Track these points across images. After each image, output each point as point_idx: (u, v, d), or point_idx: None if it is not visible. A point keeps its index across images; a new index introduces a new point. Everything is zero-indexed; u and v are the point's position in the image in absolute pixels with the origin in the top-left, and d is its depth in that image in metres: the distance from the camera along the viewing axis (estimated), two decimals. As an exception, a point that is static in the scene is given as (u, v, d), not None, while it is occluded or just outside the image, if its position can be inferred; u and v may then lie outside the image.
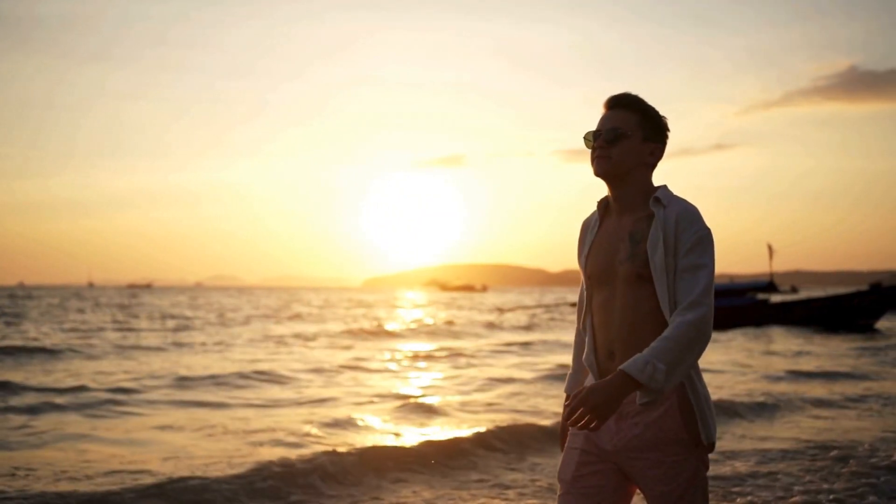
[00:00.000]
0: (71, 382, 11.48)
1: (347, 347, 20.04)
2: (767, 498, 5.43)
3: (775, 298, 32.63)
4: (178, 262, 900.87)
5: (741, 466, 6.36)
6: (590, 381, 2.39)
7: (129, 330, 25.42)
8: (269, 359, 16.04)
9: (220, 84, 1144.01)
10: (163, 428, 8.11)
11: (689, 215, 2.25)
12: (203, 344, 19.89)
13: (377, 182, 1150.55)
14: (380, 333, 25.50)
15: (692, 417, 2.26)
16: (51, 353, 16.21)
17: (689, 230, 2.23)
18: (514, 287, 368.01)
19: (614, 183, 2.36)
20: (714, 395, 9.75)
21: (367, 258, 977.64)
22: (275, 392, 11.16)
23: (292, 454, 6.41)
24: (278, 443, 7.21)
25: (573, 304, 43.10)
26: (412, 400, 10.08)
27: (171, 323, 30.29)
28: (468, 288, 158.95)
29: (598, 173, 2.36)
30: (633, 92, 2.38)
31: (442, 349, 19.38)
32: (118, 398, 10.04)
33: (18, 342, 18.69)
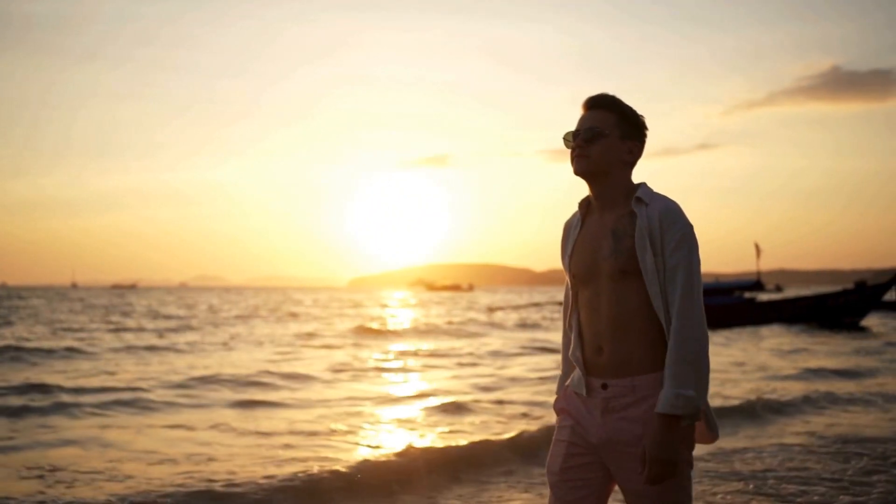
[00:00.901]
0: (97, 383, 11.44)
1: (360, 346, 20.07)
2: (796, 494, 5.50)
3: (762, 297, 33.21)
4: (162, 262, 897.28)
5: (768, 463, 6.44)
6: (577, 375, 2.44)
7: (135, 330, 25.24)
8: (286, 359, 16.03)
9: (212, 84, 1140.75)
10: (216, 426, 8.16)
11: (671, 213, 2.30)
12: (217, 344, 19.80)
13: (362, 182, 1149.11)
14: (387, 333, 25.57)
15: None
16: (64, 353, 16.17)
17: (673, 228, 2.29)
18: (500, 286, 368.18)
19: (594, 181, 2.42)
20: (729, 395, 9.95)
21: (352, 258, 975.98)
22: (309, 392, 11.14)
23: (344, 457, 6.38)
24: (322, 445, 7.20)
25: (560, 303, 43.75)
26: (447, 400, 9.96)
27: (170, 323, 30.15)
28: (455, 288, 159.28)
29: (577, 172, 2.42)
30: (612, 92, 2.45)
31: (457, 348, 19.45)
32: (150, 399, 10.02)
33: (32, 344, 18.55)
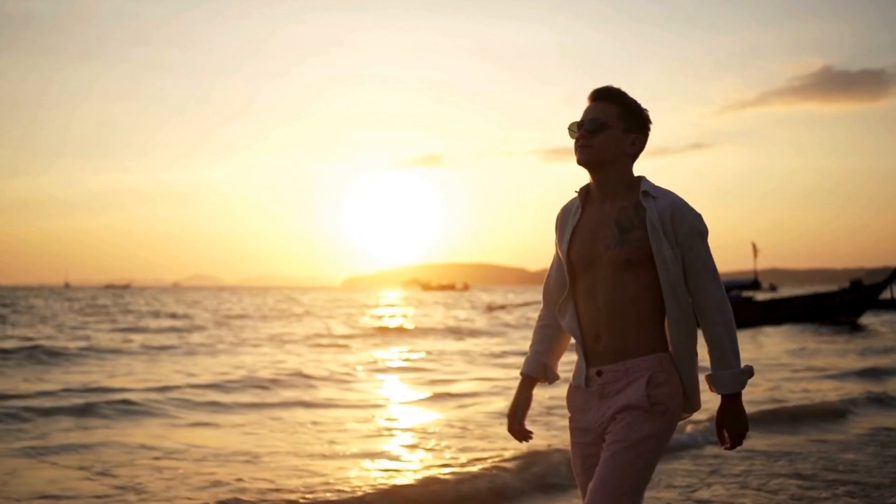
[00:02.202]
0: (149, 384, 11.41)
1: (381, 346, 20.20)
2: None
3: (759, 297, 33.67)
4: (155, 262, 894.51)
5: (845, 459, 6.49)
6: (580, 365, 2.51)
7: (150, 331, 25.25)
8: (312, 360, 16.03)
9: (208, 84, 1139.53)
10: (289, 427, 8.17)
11: (680, 205, 2.40)
12: (237, 343, 19.82)
13: (356, 181, 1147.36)
14: (402, 332, 25.72)
15: (657, 392, 2.40)
16: (94, 353, 16.20)
17: (685, 219, 2.39)
18: (494, 286, 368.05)
19: (596, 171, 2.47)
20: (797, 397, 9.96)
21: (345, 258, 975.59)
22: (352, 393, 11.15)
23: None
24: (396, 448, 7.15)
25: None
26: (489, 408, 9.55)
27: (179, 323, 30.11)
28: (450, 287, 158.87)
29: (580, 161, 2.47)
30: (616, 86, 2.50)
31: (483, 346, 19.54)
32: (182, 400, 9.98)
33: (56, 343, 18.51)
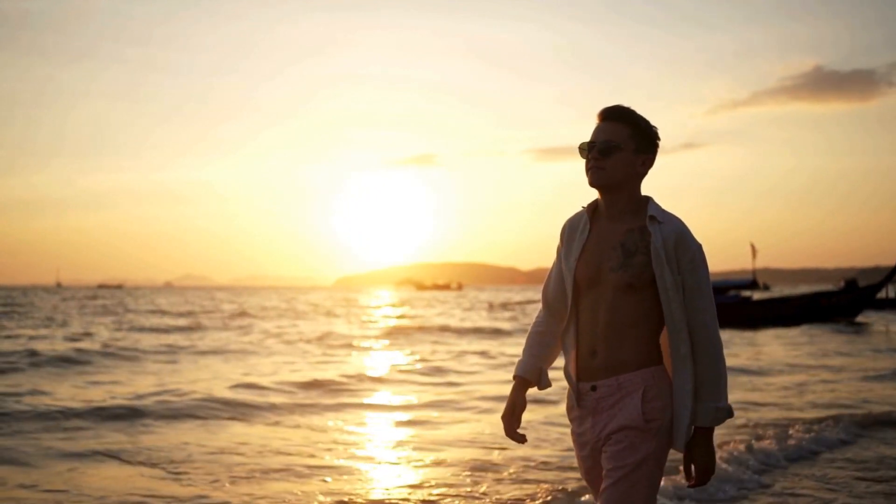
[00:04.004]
0: (208, 386, 11.29)
1: (412, 345, 20.21)
2: None
3: (756, 296, 34.00)
4: (146, 261, 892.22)
5: None
6: (571, 381, 2.55)
7: (170, 331, 25.07)
8: (352, 361, 16.01)
9: (203, 84, 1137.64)
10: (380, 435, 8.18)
11: (684, 235, 2.43)
12: (264, 345, 19.67)
13: (348, 181, 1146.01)
14: (429, 330, 25.79)
15: (651, 407, 2.42)
16: (131, 355, 15.97)
17: (688, 249, 2.42)
18: (487, 285, 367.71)
19: (607, 192, 2.49)
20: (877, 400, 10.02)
21: (338, 257, 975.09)
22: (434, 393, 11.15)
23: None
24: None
25: None
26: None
27: (190, 322, 30.00)
28: (444, 287, 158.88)
29: (592, 184, 2.49)
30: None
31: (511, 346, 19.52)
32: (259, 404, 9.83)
33: (87, 345, 18.09)
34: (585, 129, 2.57)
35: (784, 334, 23.31)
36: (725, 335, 21.84)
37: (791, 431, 7.50)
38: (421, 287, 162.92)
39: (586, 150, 2.48)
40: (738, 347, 18.81)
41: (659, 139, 2.52)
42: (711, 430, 2.43)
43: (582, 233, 2.51)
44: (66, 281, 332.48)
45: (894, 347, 18.55)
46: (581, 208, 2.58)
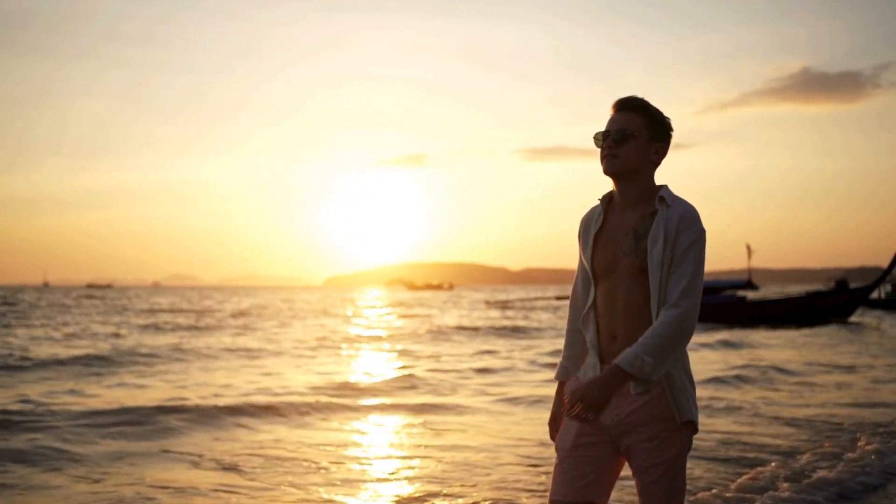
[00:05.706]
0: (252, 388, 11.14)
1: (469, 345, 20.14)
2: None
3: (751, 296, 34.58)
4: (133, 261, 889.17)
5: None
6: (591, 361, 2.55)
7: (186, 330, 24.93)
8: (414, 361, 15.84)
9: (201, 83, 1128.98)
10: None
11: (690, 217, 2.44)
12: (282, 346, 19.32)
13: (338, 181, 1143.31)
14: (446, 332, 25.67)
15: (678, 399, 2.45)
16: (164, 357, 15.69)
17: (689, 231, 2.42)
18: (477, 285, 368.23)
19: (621, 180, 2.53)
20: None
21: (327, 257, 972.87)
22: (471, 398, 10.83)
23: None
24: None
25: (558, 298, 44.55)
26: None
27: (201, 322, 29.76)
28: (436, 287, 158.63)
29: (606, 171, 2.53)
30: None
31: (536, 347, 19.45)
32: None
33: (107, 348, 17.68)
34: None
35: (790, 334, 23.32)
36: (724, 334, 22.23)
37: None
38: (412, 287, 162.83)
39: (601, 139, 2.54)
40: (767, 349, 18.76)
41: (672, 129, 2.56)
42: (620, 374, 2.39)
43: (595, 223, 2.57)
44: (53, 281, 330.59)
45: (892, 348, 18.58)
46: (597, 201, 2.63)
